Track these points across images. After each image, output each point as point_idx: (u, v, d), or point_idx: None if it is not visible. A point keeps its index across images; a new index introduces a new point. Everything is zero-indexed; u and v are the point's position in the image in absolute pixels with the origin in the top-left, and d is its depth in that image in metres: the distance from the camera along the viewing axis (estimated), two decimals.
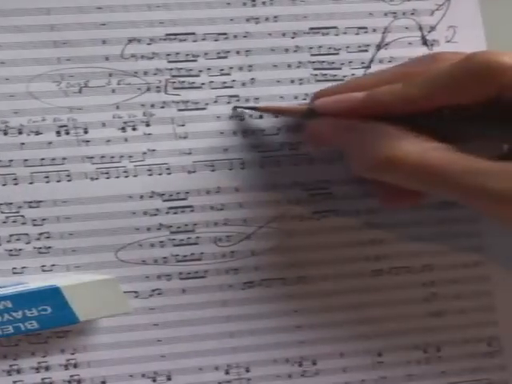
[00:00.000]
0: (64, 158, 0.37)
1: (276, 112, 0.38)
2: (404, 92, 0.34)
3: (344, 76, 0.40)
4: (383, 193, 0.38)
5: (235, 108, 0.39)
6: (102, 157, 0.37)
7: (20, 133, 0.37)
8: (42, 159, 0.37)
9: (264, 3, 0.39)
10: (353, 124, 0.35)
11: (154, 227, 0.38)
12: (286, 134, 0.39)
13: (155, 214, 0.38)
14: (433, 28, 0.41)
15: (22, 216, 0.37)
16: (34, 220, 0.37)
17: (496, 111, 0.34)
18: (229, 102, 0.39)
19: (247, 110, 0.39)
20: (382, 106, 0.34)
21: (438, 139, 0.34)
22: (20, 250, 0.37)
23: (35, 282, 0.37)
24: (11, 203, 0.37)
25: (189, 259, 0.38)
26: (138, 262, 0.38)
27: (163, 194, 0.38)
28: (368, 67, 0.40)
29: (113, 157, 0.38)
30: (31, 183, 0.37)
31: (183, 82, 0.38)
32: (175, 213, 0.38)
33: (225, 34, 0.39)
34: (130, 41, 0.38)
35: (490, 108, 0.33)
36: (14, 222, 0.37)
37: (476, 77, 0.32)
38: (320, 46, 0.40)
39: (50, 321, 0.36)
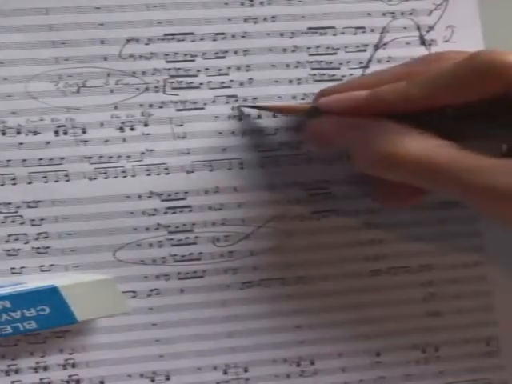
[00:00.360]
0: (62, 158, 0.37)
1: (279, 111, 0.39)
2: (407, 90, 0.34)
3: (342, 76, 0.40)
4: (383, 192, 0.38)
5: (238, 107, 0.39)
6: (100, 157, 0.37)
7: (18, 133, 0.37)
8: (40, 159, 0.37)
9: (262, 3, 0.39)
10: (356, 122, 0.35)
11: (152, 227, 0.38)
12: (284, 133, 0.39)
13: (153, 214, 0.38)
14: (431, 28, 0.41)
15: (21, 216, 0.37)
16: (33, 220, 0.37)
17: (499, 110, 0.34)
18: (227, 102, 0.39)
19: (248, 109, 0.39)
20: (386, 105, 0.34)
21: (441, 137, 0.34)
22: (18, 249, 0.37)
23: (34, 281, 0.37)
24: (10, 203, 0.37)
25: (187, 259, 0.38)
26: (136, 261, 0.38)
27: (161, 194, 0.38)
28: (366, 67, 0.40)
29: (111, 157, 0.38)
30: (29, 183, 0.37)
31: (181, 81, 0.38)
32: (174, 213, 0.38)
33: (223, 33, 0.39)
34: (129, 41, 0.38)
35: (493, 107, 0.34)
36: (12, 221, 0.37)
37: (481, 75, 0.32)
38: (318, 46, 0.40)
39: (49, 321, 0.36)
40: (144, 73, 0.38)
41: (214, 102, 0.39)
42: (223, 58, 0.39)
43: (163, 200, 0.38)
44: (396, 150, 0.33)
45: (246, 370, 0.39)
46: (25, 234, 0.37)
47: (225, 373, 0.39)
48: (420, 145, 0.33)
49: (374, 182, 0.38)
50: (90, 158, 0.37)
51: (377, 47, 0.40)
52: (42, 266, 0.37)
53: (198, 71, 0.39)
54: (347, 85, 0.37)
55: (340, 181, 0.40)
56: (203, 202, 0.38)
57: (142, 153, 0.38)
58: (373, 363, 0.40)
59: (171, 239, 0.38)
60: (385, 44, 0.40)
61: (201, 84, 0.39)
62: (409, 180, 0.34)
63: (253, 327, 0.39)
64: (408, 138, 0.33)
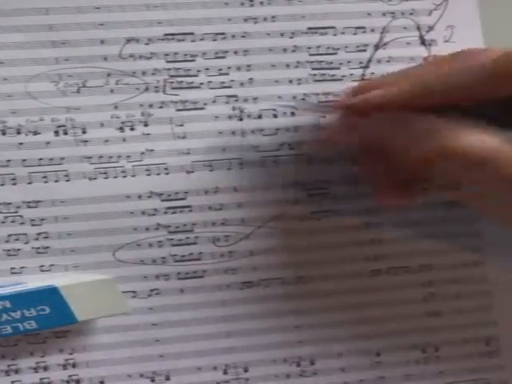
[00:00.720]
0: (62, 158, 0.37)
1: (315, 112, 0.38)
2: (457, 80, 0.33)
3: (342, 76, 0.40)
4: (383, 190, 0.38)
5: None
6: (100, 157, 0.37)
7: (18, 133, 0.37)
8: (40, 159, 0.37)
9: (262, 3, 0.39)
10: (399, 116, 0.34)
11: (152, 227, 0.38)
12: (284, 133, 0.39)
13: (153, 214, 0.38)
14: (431, 28, 0.40)
15: (21, 216, 0.37)
16: (33, 220, 0.37)
17: None
18: (227, 102, 0.39)
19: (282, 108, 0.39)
20: (433, 95, 0.34)
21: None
22: (18, 249, 0.37)
23: (34, 281, 0.37)
24: (10, 203, 0.37)
25: (187, 259, 0.38)
26: (136, 261, 0.38)
27: (161, 194, 0.38)
28: (366, 67, 0.40)
29: (111, 157, 0.37)
30: (29, 183, 0.37)
31: (181, 81, 0.38)
32: (174, 213, 0.38)
33: (223, 33, 0.39)
34: (129, 41, 0.38)
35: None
36: (12, 221, 0.37)
37: None
38: (318, 46, 0.39)
39: (49, 321, 0.36)
40: (144, 73, 0.38)
41: (214, 102, 0.39)
42: (223, 57, 0.39)
43: (163, 200, 0.38)
44: (449, 143, 0.32)
45: (245, 370, 0.39)
46: (25, 234, 0.37)
47: (225, 373, 0.39)
48: (473, 138, 0.33)
49: (374, 181, 0.37)
50: (89, 158, 0.37)
51: (377, 47, 0.40)
52: (42, 265, 0.37)
53: (198, 71, 0.38)
54: (381, 80, 0.37)
55: (340, 181, 0.39)
56: (203, 201, 0.38)
57: (142, 153, 0.38)
58: (373, 363, 0.40)
59: (171, 239, 0.38)
60: (385, 44, 0.40)
61: (201, 84, 0.38)
62: (456, 174, 0.33)
63: (253, 327, 0.39)
64: (461, 132, 0.33)
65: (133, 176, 0.38)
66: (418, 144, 0.34)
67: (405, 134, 0.34)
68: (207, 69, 0.39)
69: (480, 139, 0.33)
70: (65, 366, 0.37)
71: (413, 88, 0.34)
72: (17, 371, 0.37)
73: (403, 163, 0.35)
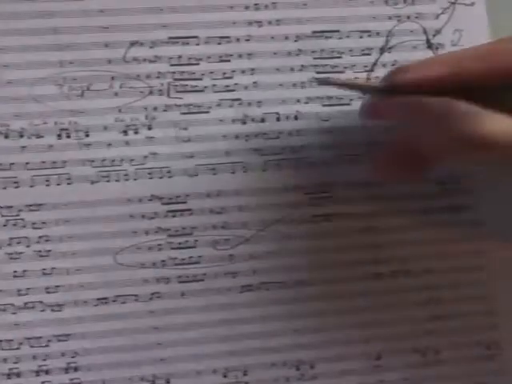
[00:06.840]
0: (65, 162, 0.35)
1: (352, 87, 0.35)
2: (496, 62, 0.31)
3: (347, 79, 0.37)
4: (384, 165, 0.35)
5: (318, 81, 0.36)
6: (103, 160, 0.35)
7: (21, 136, 0.35)
8: (43, 162, 0.35)
9: (266, 7, 0.37)
10: (430, 102, 0.31)
11: (152, 230, 0.36)
12: (287, 137, 0.37)
13: (153, 218, 0.36)
14: (438, 31, 0.38)
15: (22, 219, 0.35)
16: (34, 223, 0.35)
17: None
18: (231, 106, 0.37)
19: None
20: (471, 75, 0.31)
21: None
22: (20, 253, 0.35)
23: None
24: (11, 206, 0.35)
25: (187, 262, 0.36)
26: (136, 265, 0.36)
27: (162, 198, 0.36)
28: (371, 71, 0.38)
29: (113, 160, 0.35)
30: (32, 186, 0.35)
31: (186, 85, 0.36)
32: (174, 216, 0.36)
33: (227, 37, 0.37)
34: (133, 44, 0.36)
35: None
36: (14, 225, 0.35)
37: None
38: (323, 50, 0.37)
39: None
40: (148, 76, 0.36)
41: (218, 105, 0.37)
42: (228, 61, 0.37)
43: (164, 203, 0.36)
44: (488, 129, 0.29)
45: (245, 374, 0.37)
46: (26, 238, 0.35)
47: (224, 376, 0.37)
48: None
49: (376, 155, 0.35)
50: (92, 161, 0.35)
51: (382, 51, 0.38)
52: (44, 269, 0.35)
53: (203, 75, 0.37)
54: (423, 62, 0.33)
55: (341, 184, 0.37)
56: (204, 205, 0.36)
57: (145, 156, 0.36)
58: (373, 367, 0.38)
59: (171, 242, 0.36)
60: (390, 48, 0.38)
61: (205, 87, 0.37)
62: (498, 162, 0.31)
63: (252, 331, 0.37)
64: (494, 118, 0.29)
65: (135, 179, 0.36)
66: (451, 132, 0.30)
67: (432, 123, 0.31)
68: (211, 72, 0.37)
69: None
70: (66, 370, 0.35)
71: (450, 70, 0.31)
72: (18, 374, 0.35)
73: (433, 152, 0.32)
